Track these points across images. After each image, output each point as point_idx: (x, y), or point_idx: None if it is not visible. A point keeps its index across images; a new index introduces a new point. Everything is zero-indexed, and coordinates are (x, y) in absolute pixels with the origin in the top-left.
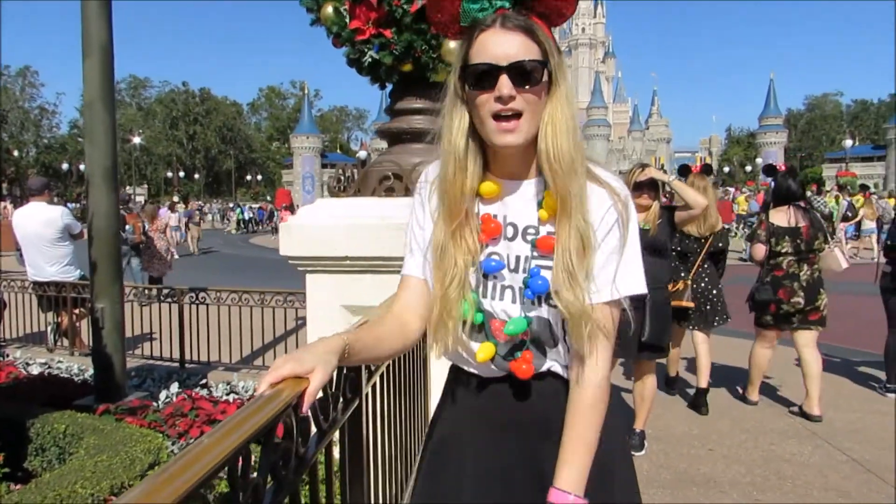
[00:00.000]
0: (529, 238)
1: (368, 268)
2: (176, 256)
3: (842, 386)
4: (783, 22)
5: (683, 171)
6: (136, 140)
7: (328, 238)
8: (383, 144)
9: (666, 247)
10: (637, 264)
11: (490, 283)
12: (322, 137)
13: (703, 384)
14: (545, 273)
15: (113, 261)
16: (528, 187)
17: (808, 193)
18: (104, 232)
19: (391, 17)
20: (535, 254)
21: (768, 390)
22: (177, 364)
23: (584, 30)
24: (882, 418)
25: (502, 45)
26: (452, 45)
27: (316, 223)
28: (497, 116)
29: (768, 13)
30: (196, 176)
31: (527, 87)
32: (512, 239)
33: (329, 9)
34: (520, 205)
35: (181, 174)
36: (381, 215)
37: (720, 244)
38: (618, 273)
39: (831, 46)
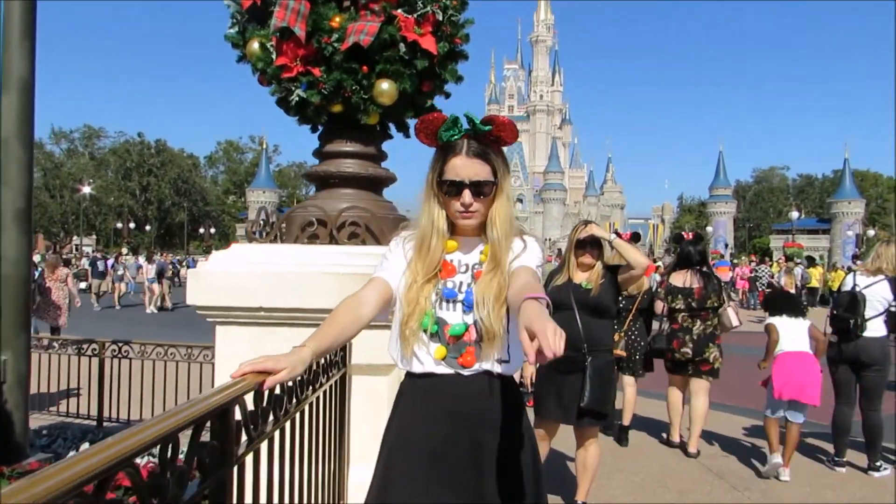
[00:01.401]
0: (472, 271)
1: (286, 320)
2: (77, 304)
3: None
4: (732, 96)
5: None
6: (87, 190)
7: (241, 286)
8: None
9: (608, 308)
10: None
11: (446, 302)
12: (279, 192)
13: (627, 422)
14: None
15: (20, 310)
16: (476, 243)
17: (752, 262)
18: (12, 278)
19: (320, 54)
20: (472, 281)
21: (713, 466)
22: (94, 422)
23: (542, 97)
24: (831, 493)
25: (466, 168)
26: (385, 86)
27: (228, 270)
28: (459, 212)
29: (717, 89)
30: (147, 227)
31: (480, 196)
32: (464, 273)
33: (255, 45)
34: (470, 253)
35: (132, 225)
36: (301, 262)
37: (648, 302)
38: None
39: (778, 123)
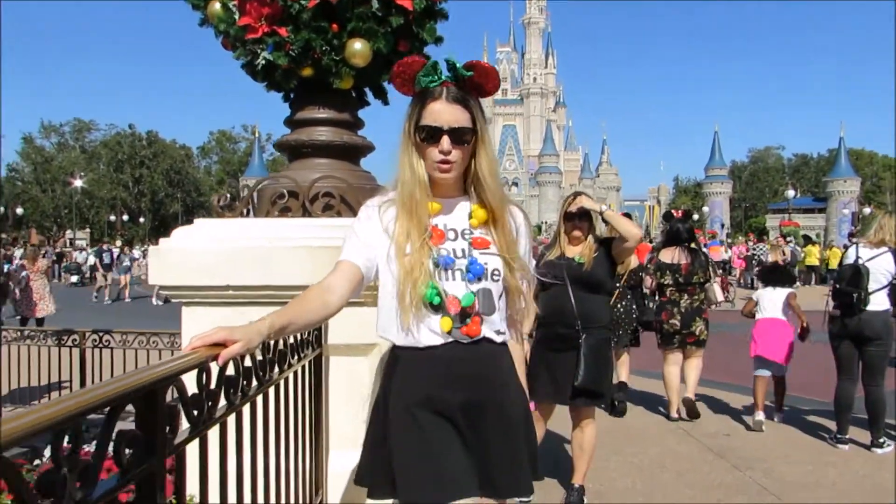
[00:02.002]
0: (466, 238)
1: (256, 299)
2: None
3: (790, 435)
4: (727, 75)
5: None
6: (78, 183)
7: (207, 264)
8: None
9: (602, 283)
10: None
11: (445, 271)
12: None
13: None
14: (481, 259)
15: None
16: (457, 203)
17: (749, 241)
18: None
19: (286, 13)
20: (469, 248)
21: (714, 446)
22: None
23: (535, 79)
24: (834, 471)
25: (445, 114)
26: (357, 45)
27: (193, 246)
28: (438, 163)
29: (712, 69)
30: (141, 220)
31: (460, 144)
32: (454, 240)
33: (216, 5)
34: (456, 216)
35: (125, 218)
36: (271, 237)
37: (637, 279)
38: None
39: (773, 102)
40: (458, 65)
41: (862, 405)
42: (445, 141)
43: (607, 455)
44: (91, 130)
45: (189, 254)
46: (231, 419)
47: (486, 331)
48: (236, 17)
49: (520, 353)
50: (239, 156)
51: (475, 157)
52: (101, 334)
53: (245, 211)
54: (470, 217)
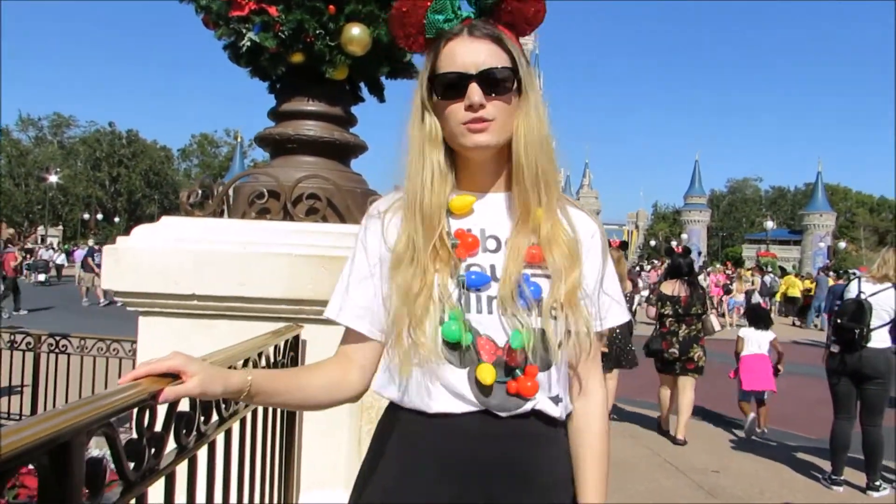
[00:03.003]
0: (509, 247)
1: (225, 311)
2: None
3: (781, 474)
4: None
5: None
6: (53, 178)
7: (170, 268)
8: None
9: None
10: (620, 294)
11: (474, 297)
12: None
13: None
14: (536, 280)
15: None
16: (504, 200)
17: (727, 271)
18: None
19: None
20: (524, 264)
21: (704, 483)
22: None
23: None
24: None
25: (471, 53)
26: (356, 31)
27: (153, 247)
28: (466, 124)
29: (693, 99)
30: (116, 219)
31: (497, 95)
32: (495, 251)
33: None
34: (499, 217)
35: (99, 216)
36: (245, 240)
37: (630, 301)
38: (607, 304)
39: (753, 134)
40: None
41: (858, 446)
42: (474, 90)
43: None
44: (70, 126)
45: (150, 255)
46: (183, 467)
47: (540, 396)
48: None
49: (594, 441)
50: (220, 160)
51: (519, 118)
52: (57, 338)
53: (220, 211)
54: (517, 220)
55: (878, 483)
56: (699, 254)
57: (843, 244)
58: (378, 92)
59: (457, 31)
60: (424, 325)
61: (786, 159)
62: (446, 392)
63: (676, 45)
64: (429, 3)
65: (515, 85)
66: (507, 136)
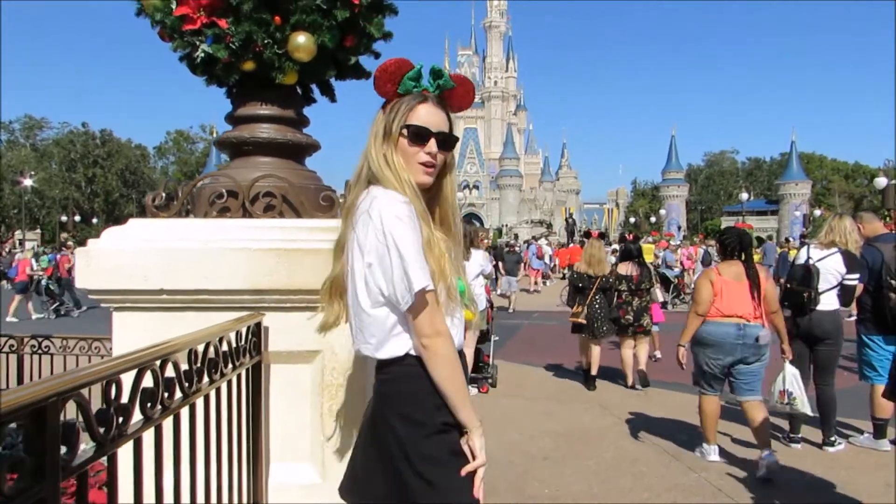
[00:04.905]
0: None
1: (192, 303)
2: None
3: (743, 436)
4: (684, 81)
5: (587, 235)
6: (28, 182)
7: (139, 266)
8: None
9: None
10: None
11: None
12: None
13: (594, 372)
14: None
15: None
16: None
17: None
18: None
19: (227, 4)
20: None
21: (668, 448)
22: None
23: (496, 83)
24: (787, 470)
25: (433, 116)
26: (301, 39)
27: (123, 248)
28: (422, 164)
29: (669, 75)
30: (94, 220)
31: (441, 150)
32: None
33: None
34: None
35: (77, 218)
36: (207, 238)
37: (608, 283)
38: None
39: (729, 107)
40: (444, 73)
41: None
42: (433, 143)
43: (563, 458)
44: (43, 128)
45: (120, 255)
46: (150, 434)
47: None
48: (173, 6)
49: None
50: (196, 156)
51: (445, 174)
52: (40, 340)
53: (185, 211)
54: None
55: (833, 439)
56: (678, 228)
57: (818, 212)
58: (329, 93)
59: (423, 99)
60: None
61: (761, 130)
62: (458, 331)
63: (651, 22)
64: (407, 71)
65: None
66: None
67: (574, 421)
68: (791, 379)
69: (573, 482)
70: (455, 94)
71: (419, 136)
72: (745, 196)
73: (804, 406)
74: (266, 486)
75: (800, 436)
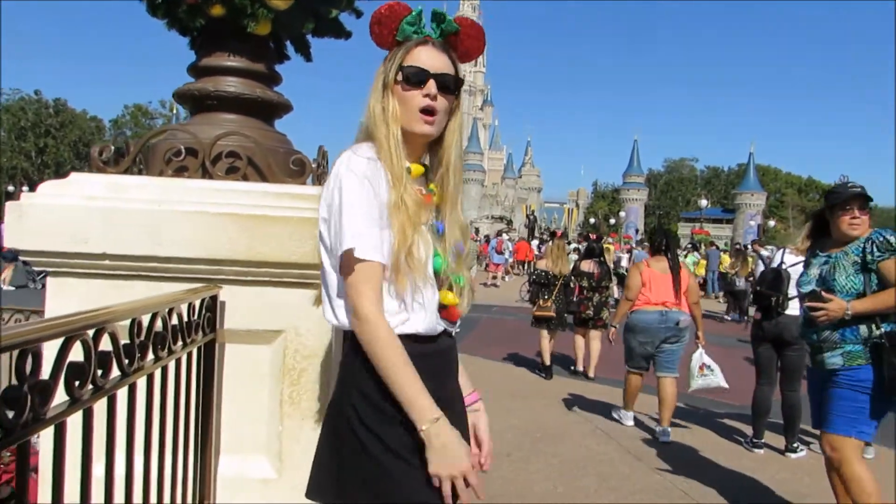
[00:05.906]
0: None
1: (141, 272)
2: None
3: (707, 439)
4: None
5: (552, 235)
6: None
7: (79, 226)
8: None
9: None
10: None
11: (440, 243)
12: None
13: (548, 363)
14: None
15: None
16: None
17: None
18: None
19: None
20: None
21: (632, 449)
22: None
23: (464, 76)
24: (749, 475)
25: (434, 59)
26: None
27: (62, 204)
28: (422, 111)
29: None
30: None
31: (444, 94)
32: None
33: None
34: (421, 184)
35: (25, 189)
36: (160, 199)
37: (568, 280)
38: None
39: (688, 116)
40: (447, 17)
41: (777, 410)
42: (432, 85)
43: (527, 456)
44: None
45: (57, 212)
46: (77, 418)
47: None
48: None
49: None
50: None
51: (450, 121)
52: None
53: (139, 170)
54: (430, 191)
55: (795, 445)
56: (636, 231)
57: (772, 223)
58: (304, 50)
59: (422, 41)
60: (422, 250)
61: (721, 140)
62: (435, 314)
63: (618, 27)
64: (405, 14)
65: (456, 92)
66: (441, 130)
67: (535, 417)
68: (707, 357)
69: (537, 480)
70: (462, 39)
71: (416, 77)
72: (704, 203)
73: (720, 379)
74: (214, 480)
75: (763, 441)
